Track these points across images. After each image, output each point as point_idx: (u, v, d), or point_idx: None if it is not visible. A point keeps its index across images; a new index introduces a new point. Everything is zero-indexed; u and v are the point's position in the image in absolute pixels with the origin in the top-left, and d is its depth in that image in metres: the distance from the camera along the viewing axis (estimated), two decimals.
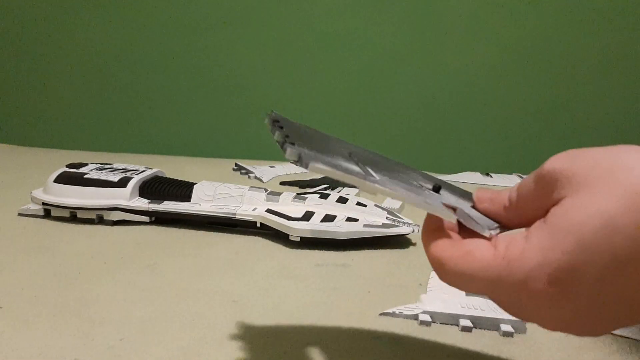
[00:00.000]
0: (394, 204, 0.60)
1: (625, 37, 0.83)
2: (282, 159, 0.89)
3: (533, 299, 0.21)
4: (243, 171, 0.81)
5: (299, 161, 0.23)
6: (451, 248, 0.24)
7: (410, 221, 0.52)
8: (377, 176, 0.25)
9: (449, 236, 0.25)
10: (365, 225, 0.51)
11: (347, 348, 0.34)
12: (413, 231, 0.51)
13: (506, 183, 0.79)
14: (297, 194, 0.56)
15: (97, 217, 0.56)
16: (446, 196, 0.27)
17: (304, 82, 0.94)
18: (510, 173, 0.85)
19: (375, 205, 0.55)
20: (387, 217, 0.52)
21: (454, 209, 0.25)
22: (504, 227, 0.25)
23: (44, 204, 0.57)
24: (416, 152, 0.95)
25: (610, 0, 0.82)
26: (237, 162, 0.85)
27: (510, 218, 0.25)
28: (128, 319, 0.37)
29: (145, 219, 0.56)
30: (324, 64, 0.93)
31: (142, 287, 0.42)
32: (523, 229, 0.23)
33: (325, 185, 0.70)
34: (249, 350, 0.34)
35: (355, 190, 0.63)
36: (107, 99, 1.00)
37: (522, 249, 0.21)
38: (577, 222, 0.20)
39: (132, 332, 0.35)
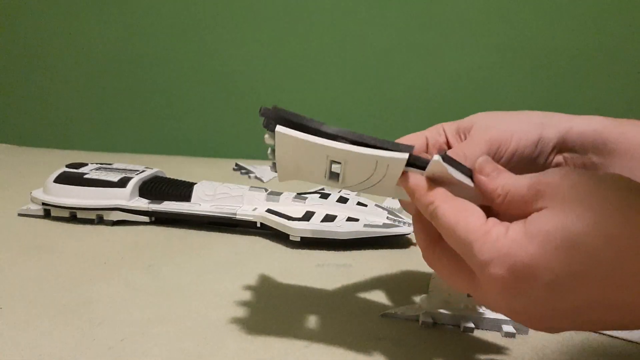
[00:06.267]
0: (395, 204, 0.60)
1: (626, 38, 0.83)
2: None
3: (490, 282, 0.24)
4: (243, 171, 0.81)
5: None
6: (448, 201, 0.26)
7: (410, 221, 0.52)
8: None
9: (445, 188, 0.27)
10: (365, 225, 0.51)
11: (349, 349, 0.34)
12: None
13: None
14: (298, 193, 0.56)
15: (97, 217, 0.56)
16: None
17: (305, 82, 0.94)
18: None
19: (376, 205, 0.55)
20: (387, 217, 0.52)
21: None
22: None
23: (43, 204, 0.57)
24: None
25: (611, 1, 0.82)
26: (237, 162, 0.85)
27: (492, 205, 0.27)
28: (128, 320, 0.37)
29: (145, 219, 0.56)
30: (325, 63, 0.92)
31: (142, 288, 0.42)
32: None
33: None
34: (249, 351, 0.34)
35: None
36: (107, 99, 1.00)
37: (498, 237, 0.24)
38: (545, 231, 0.22)
39: (133, 333, 0.35)
